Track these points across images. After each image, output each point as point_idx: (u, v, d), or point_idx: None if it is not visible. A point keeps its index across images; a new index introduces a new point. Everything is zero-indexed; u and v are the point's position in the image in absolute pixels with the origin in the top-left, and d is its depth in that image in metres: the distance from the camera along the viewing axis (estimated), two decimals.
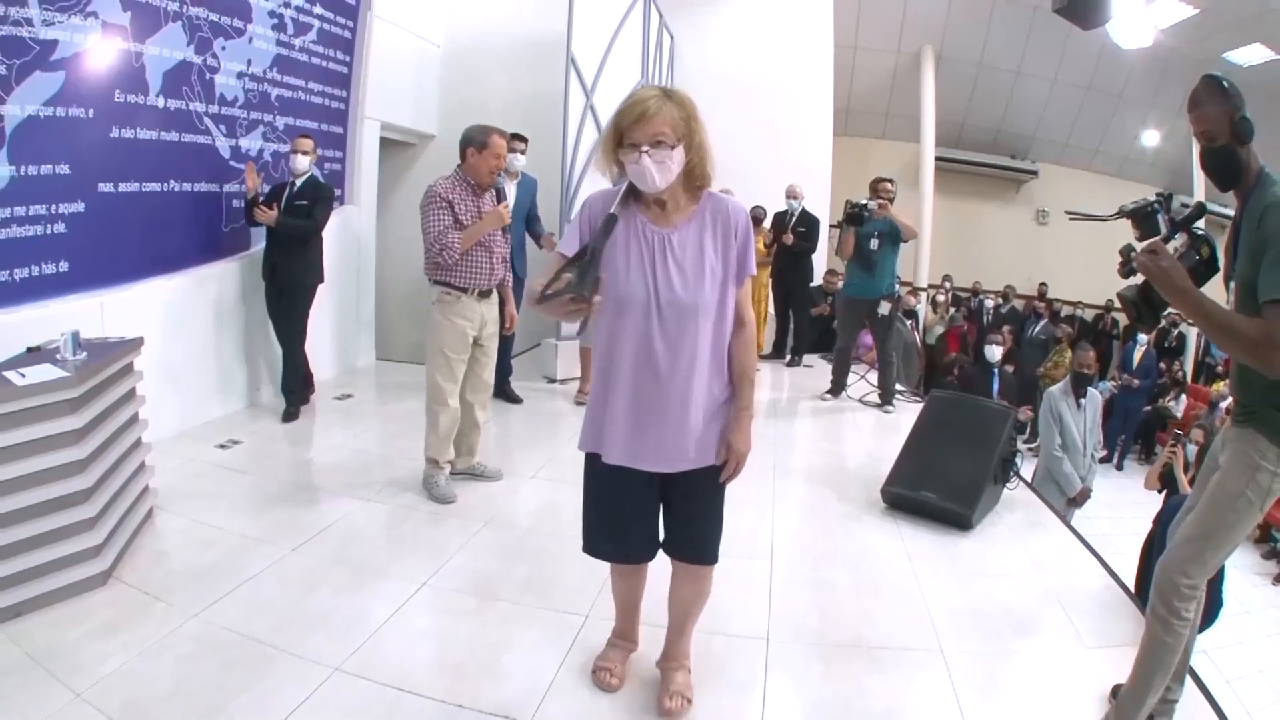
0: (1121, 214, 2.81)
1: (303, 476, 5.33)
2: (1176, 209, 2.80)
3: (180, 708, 2.77)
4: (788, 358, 9.29)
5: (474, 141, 4.56)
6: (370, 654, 3.12)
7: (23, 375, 3.42)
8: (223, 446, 5.57)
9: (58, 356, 3.68)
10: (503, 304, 5.05)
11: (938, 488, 4.39)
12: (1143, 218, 2.74)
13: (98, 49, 5.02)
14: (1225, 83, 2.46)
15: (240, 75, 6.31)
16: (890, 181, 7.16)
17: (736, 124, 9.56)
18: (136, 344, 4.22)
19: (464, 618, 3.44)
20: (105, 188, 5.20)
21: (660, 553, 2.78)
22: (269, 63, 6.59)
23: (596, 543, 2.78)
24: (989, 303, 13.90)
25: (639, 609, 3.01)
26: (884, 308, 7.05)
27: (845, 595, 3.67)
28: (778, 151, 10.11)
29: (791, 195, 9.10)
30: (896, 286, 7.27)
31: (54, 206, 4.85)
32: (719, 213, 2.52)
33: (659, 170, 2.34)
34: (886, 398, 7.32)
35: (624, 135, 2.36)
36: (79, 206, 5.01)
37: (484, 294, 4.73)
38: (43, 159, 4.73)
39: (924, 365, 10.85)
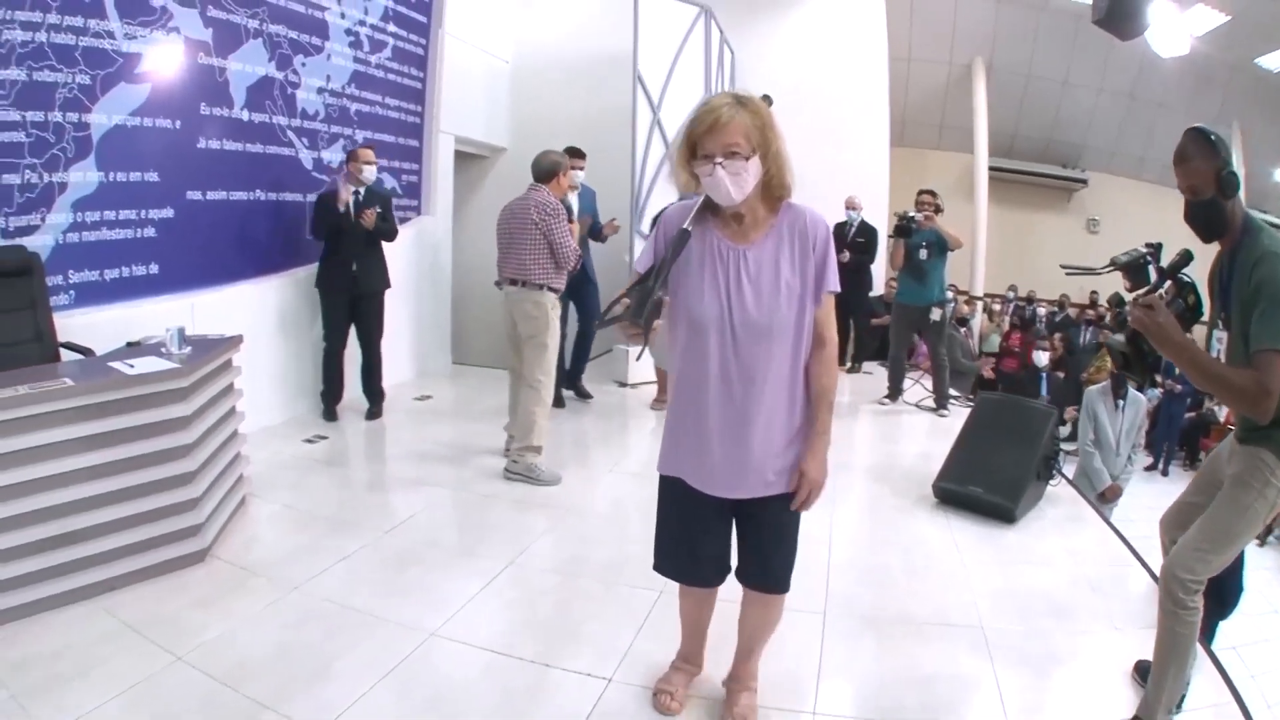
0: (1115, 266, 2.76)
1: (389, 468, 5.37)
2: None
3: (285, 669, 2.84)
4: (848, 364, 9.00)
5: (548, 170, 4.89)
6: (463, 622, 3.21)
7: (131, 366, 3.48)
8: (309, 441, 5.49)
9: (162, 350, 3.74)
10: None
11: (984, 482, 4.42)
12: (1134, 270, 2.72)
13: (181, 63, 4.97)
14: (1212, 136, 2.40)
15: (320, 90, 6.25)
16: (932, 193, 7.05)
17: (795, 136, 9.11)
18: (236, 341, 4.24)
19: (548, 593, 3.52)
20: (194, 195, 5.15)
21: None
22: (347, 79, 6.52)
23: (666, 563, 2.53)
24: (1041, 310, 13.44)
25: (705, 632, 2.75)
26: (935, 314, 6.94)
27: (897, 577, 3.74)
28: (835, 162, 9.76)
29: (850, 206, 8.80)
30: (948, 294, 7.15)
31: (143, 212, 4.80)
32: (796, 224, 2.23)
33: (734, 183, 2.10)
34: (941, 401, 7.14)
35: (697, 145, 2.13)
36: (168, 212, 4.96)
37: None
38: (131, 166, 4.69)
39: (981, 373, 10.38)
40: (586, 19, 9.28)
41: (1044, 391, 8.27)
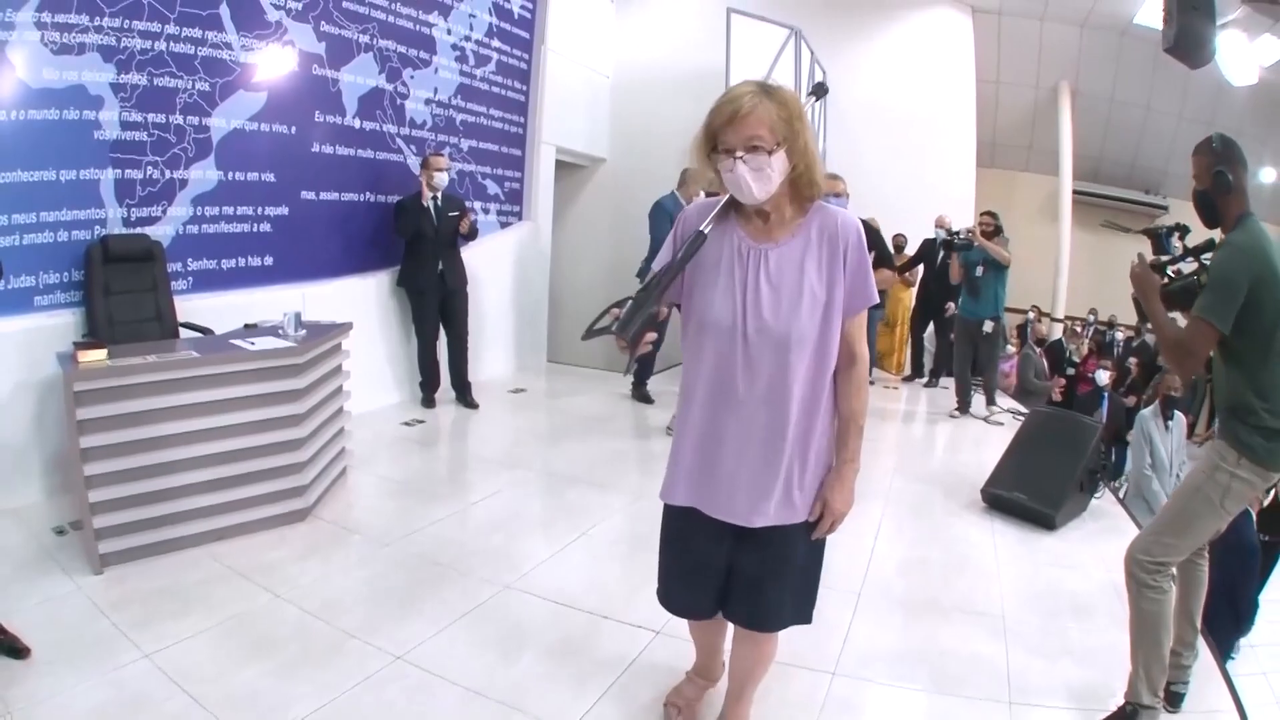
0: (1144, 231, 3.01)
1: (479, 450, 5.40)
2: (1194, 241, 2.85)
3: (372, 608, 3.08)
4: (925, 378, 8.67)
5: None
6: (535, 578, 3.37)
7: (252, 343, 3.70)
8: (407, 424, 5.53)
9: (279, 331, 3.93)
10: None
11: (1029, 490, 4.37)
12: (1158, 237, 2.97)
13: (296, 73, 5.06)
14: (1215, 143, 2.59)
15: (428, 102, 6.29)
16: (992, 215, 7.06)
17: (885, 155, 9.41)
18: (346, 328, 4.39)
19: (615, 560, 3.61)
20: (307, 195, 5.24)
21: None
22: (453, 91, 6.55)
23: (668, 593, 2.15)
24: (1119, 335, 12.66)
25: (720, 648, 2.45)
26: (987, 326, 6.92)
27: (933, 569, 3.75)
28: (923, 182, 9.44)
29: (939, 225, 8.50)
30: (1001, 311, 7.07)
31: (260, 208, 4.91)
32: (826, 227, 1.89)
33: (756, 179, 1.78)
34: (990, 397, 7.24)
35: (717, 138, 1.82)
36: (283, 210, 5.06)
37: None
38: (248, 167, 4.80)
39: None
40: (683, 37, 9.08)
41: (1103, 411, 7.91)
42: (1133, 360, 10.40)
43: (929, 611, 3.28)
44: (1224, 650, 3.05)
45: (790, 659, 2.70)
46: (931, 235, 8.54)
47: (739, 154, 1.77)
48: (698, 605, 2.13)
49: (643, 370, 6.71)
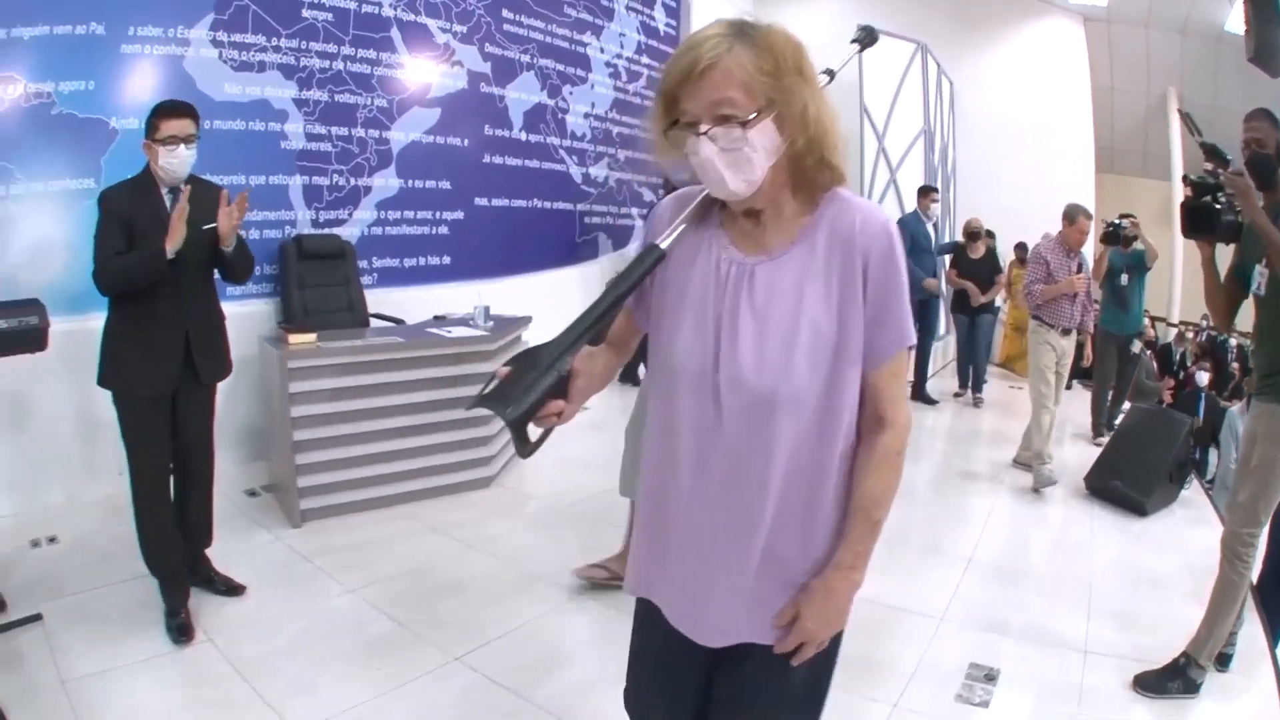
0: (1203, 146, 2.80)
1: None
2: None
3: (554, 554, 3.27)
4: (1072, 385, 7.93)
5: (1067, 216, 5.07)
6: None
7: (449, 332, 4.01)
8: (584, 408, 5.59)
9: (470, 321, 4.23)
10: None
11: (1124, 478, 4.55)
12: (1215, 154, 2.75)
13: (465, 91, 5.27)
14: (1273, 115, 2.69)
15: (586, 115, 6.42)
16: (1132, 217, 6.18)
17: (1007, 164, 9.25)
18: (526, 321, 4.58)
19: None
20: (480, 201, 5.42)
21: None
22: (609, 105, 6.66)
23: (635, 705, 1.45)
24: (1232, 341, 11.45)
25: None
26: (1136, 346, 6.47)
27: (1032, 544, 3.99)
28: (1043, 187, 8.91)
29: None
30: (1145, 322, 6.44)
31: (437, 213, 5.11)
32: (839, 231, 1.19)
33: (729, 163, 1.13)
34: (1104, 426, 6.05)
35: (675, 103, 1.15)
36: (459, 214, 5.25)
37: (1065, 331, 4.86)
38: (426, 175, 5.01)
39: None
40: (817, 54, 9.04)
41: (1200, 412, 7.17)
42: (1234, 365, 9.56)
43: (1026, 576, 3.53)
44: (1275, 630, 3.13)
45: (904, 606, 3.03)
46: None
47: (703, 127, 1.13)
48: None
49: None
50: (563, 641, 2.70)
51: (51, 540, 3.25)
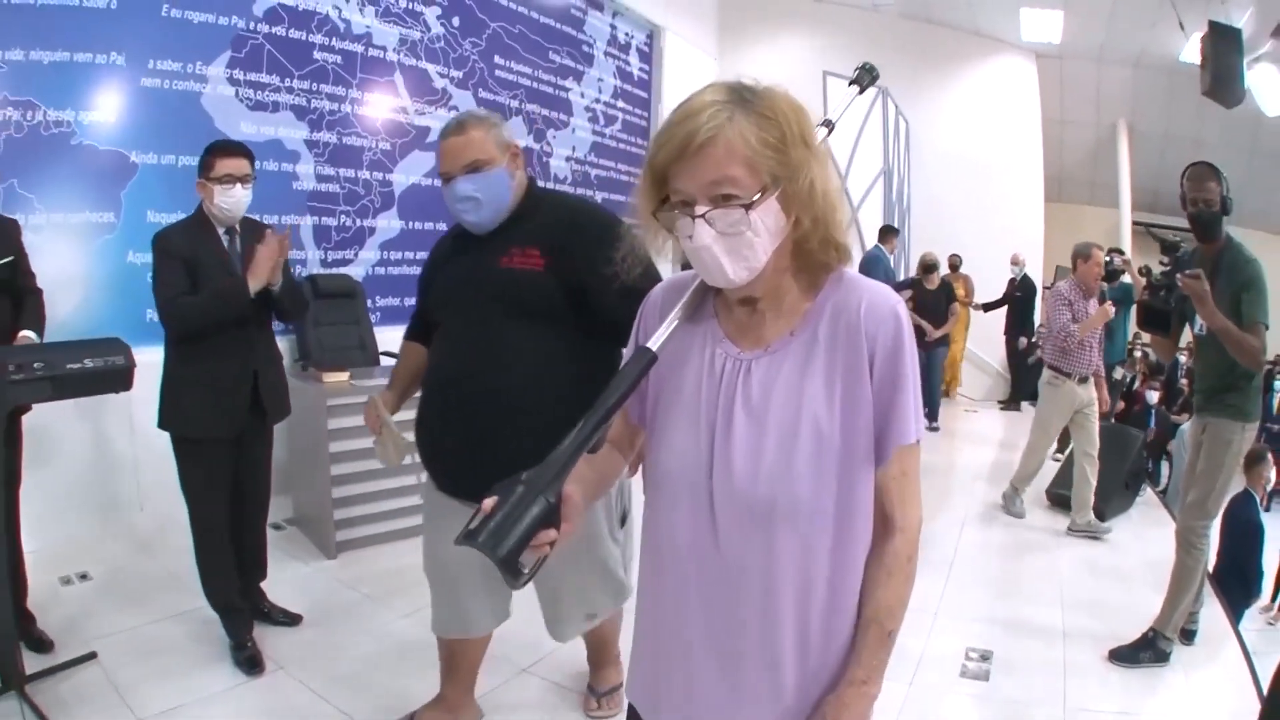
0: (1168, 247, 3.29)
1: None
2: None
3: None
4: (1021, 408, 8.49)
5: (1079, 254, 4.82)
6: None
7: None
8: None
9: None
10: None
11: None
12: (1172, 249, 3.26)
13: None
14: (1217, 170, 3.06)
15: (567, 159, 6.65)
16: (1120, 251, 6.69)
17: (961, 199, 9.52)
18: None
19: None
20: None
21: None
22: (588, 149, 6.90)
23: None
24: (1182, 358, 12.18)
25: None
26: (1119, 373, 6.76)
27: (1007, 546, 4.45)
28: (994, 221, 9.51)
29: (1014, 262, 8.68)
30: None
31: None
32: (842, 317, 1.08)
33: (727, 249, 1.01)
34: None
35: (666, 181, 1.03)
36: None
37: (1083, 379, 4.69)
38: (425, 217, 5.16)
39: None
40: None
41: (1151, 425, 8.03)
42: (1184, 381, 10.19)
43: (1004, 575, 3.98)
44: (1236, 614, 3.76)
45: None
46: (1011, 274, 8.71)
47: (699, 209, 1.00)
48: None
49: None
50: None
51: (83, 577, 3.25)
